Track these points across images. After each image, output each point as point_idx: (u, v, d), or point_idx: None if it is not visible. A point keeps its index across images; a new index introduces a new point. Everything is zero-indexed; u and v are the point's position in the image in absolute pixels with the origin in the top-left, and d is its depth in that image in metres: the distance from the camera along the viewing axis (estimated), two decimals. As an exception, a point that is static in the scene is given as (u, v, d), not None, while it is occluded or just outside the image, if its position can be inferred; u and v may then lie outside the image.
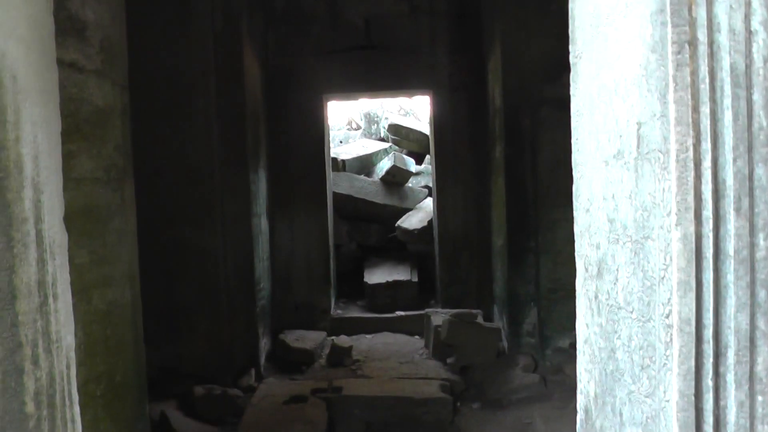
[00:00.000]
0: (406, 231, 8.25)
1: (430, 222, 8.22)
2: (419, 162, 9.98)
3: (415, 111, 10.40)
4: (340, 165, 9.00)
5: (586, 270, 2.09)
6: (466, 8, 7.33)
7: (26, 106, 1.75)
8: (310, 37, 7.25)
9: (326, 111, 7.55)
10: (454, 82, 7.42)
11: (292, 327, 7.07)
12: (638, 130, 1.67)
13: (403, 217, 8.58)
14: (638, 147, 1.68)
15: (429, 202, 8.74)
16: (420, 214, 8.52)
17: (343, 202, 8.48)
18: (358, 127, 10.96)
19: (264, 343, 6.51)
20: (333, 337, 7.03)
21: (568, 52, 6.26)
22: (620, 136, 1.76)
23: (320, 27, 7.27)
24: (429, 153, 9.67)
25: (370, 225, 8.73)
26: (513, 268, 6.32)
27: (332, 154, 8.79)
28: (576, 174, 2.23)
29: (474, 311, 6.58)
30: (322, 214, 7.39)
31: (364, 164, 9.42)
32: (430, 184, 8.91)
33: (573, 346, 6.31)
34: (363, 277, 7.93)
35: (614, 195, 1.80)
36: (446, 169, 7.52)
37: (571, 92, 2.07)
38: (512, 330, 6.25)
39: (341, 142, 10.21)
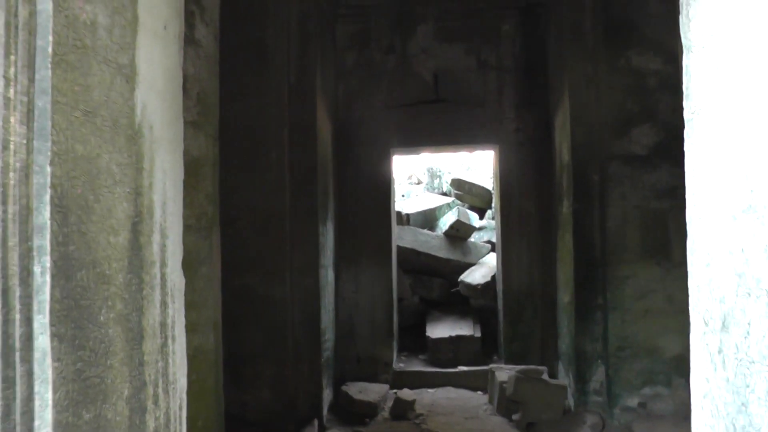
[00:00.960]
0: (469, 286, 8.22)
1: (493, 277, 8.18)
2: (481, 217, 9.98)
3: (477, 166, 10.46)
4: (404, 219, 9.06)
5: (706, 324, 2.06)
6: (533, 63, 7.40)
7: (159, 154, 1.84)
8: (379, 91, 7.40)
9: (392, 164, 7.65)
10: (520, 137, 7.46)
11: (354, 379, 7.05)
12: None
13: (466, 271, 8.56)
14: (777, 201, 1.68)
15: (492, 258, 8.71)
16: (483, 269, 8.48)
17: (407, 255, 8.51)
18: (419, 182, 11.05)
19: (327, 394, 6.50)
20: (396, 390, 6.98)
21: (636, 107, 6.21)
22: (751, 190, 1.76)
23: (389, 81, 7.42)
24: (491, 208, 9.68)
25: (433, 279, 8.73)
26: (580, 324, 6.23)
27: (396, 208, 8.87)
28: (691, 230, 2.21)
29: (540, 368, 6.47)
30: (386, 267, 7.42)
31: (428, 218, 9.47)
32: (493, 239, 8.89)
33: (642, 405, 6.18)
34: (425, 331, 7.90)
35: (744, 249, 1.79)
36: (511, 225, 7.50)
37: (686, 148, 2.06)
38: (579, 387, 6.13)
39: (403, 196, 10.29)
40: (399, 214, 8.96)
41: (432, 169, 10.78)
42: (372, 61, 7.41)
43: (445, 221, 9.22)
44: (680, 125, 6.30)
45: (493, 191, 9.55)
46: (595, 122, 6.31)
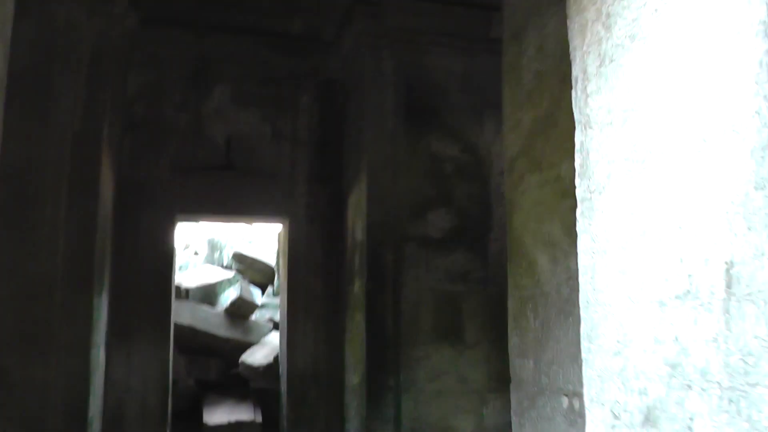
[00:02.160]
0: (250, 367, 7.68)
1: (275, 358, 7.73)
2: (263, 293, 9.53)
3: (259, 240, 10.07)
4: (183, 293, 8.34)
5: (617, 417, 1.88)
6: (329, 138, 7.28)
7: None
8: (168, 151, 6.79)
9: (176, 232, 7.00)
10: (311, 212, 7.24)
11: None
12: (728, 269, 1.55)
13: (248, 351, 8.02)
14: (728, 287, 1.55)
15: (275, 337, 8.26)
16: (265, 349, 8.00)
17: (184, 333, 7.78)
18: (196, 253, 10.36)
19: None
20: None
21: (433, 192, 6.26)
22: (689, 275, 1.63)
23: (180, 141, 6.85)
24: (273, 283, 9.28)
25: (210, 359, 8.05)
26: (371, 406, 6.02)
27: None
28: (588, 316, 2.06)
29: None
30: (163, 346, 6.65)
31: (208, 293, 8.81)
32: (276, 317, 8.48)
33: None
34: (202, 415, 7.18)
35: (678, 337, 1.66)
36: (297, 303, 7.17)
37: (580, 228, 1.92)
38: (370, 472, 5.86)
39: (180, 268, 9.55)
40: (178, 287, 8.24)
41: (213, 240, 10.18)
42: (163, 117, 6.81)
43: (227, 297, 8.66)
44: (474, 211, 6.44)
45: (276, 267, 9.19)
46: (392, 203, 6.31)
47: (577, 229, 1.81)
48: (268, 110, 7.17)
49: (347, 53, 6.91)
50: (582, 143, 1.78)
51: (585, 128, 1.76)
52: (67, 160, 5.07)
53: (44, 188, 4.93)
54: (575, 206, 3.01)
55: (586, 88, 1.74)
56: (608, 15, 1.65)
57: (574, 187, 3.00)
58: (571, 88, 3.09)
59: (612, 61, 1.64)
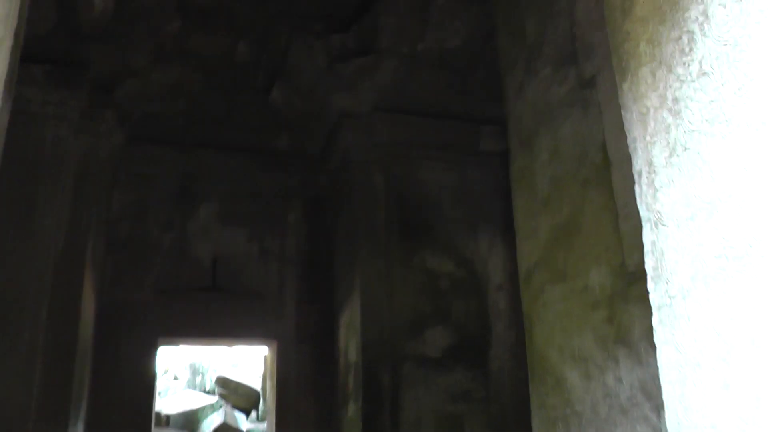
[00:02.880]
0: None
1: (262, 490, 7.19)
2: (247, 417, 9.01)
3: (244, 363, 9.64)
4: (163, 420, 7.83)
5: None
6: (319, 256, 7.09)
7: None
8: (152, 271, 6.53)
9: (158, 357, 6.62)
10: (301, 333, 6.94)
11: None
12: None
13: (232, 483, 7.47)
14: None
15: (260, 466, 7.74)
16: (251, 481, 7.46)
17: (161, 465, 7.25)
18: (176, 378, 9.87)
19: None
20: None
21: (429, 309, 6.00)
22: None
23: (164, 261, 6.60)
24: (257, 408, 8.81)
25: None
26: None
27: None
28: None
29: None
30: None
31: (190, 420, 8.28)
32: (261, 445, 7.97)
33: None
34: None
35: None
36: (287, 428, 6.73)
37: (662, 340, 1.67)
38: None
39: (160, 393, 9.04)
40: (158, 414, 7.74)
41: (195, 364, 9.72)
42: (148, 237, 6.59)
43: (210, 423, 8.14)
44: (473, 328, 6.13)
45: (261, 390, 8.74)
46: (388, 321, 6.04)
47: (656, 340, 1.58)
48: (256, 228, 7.00)
49: (336, 168, 6.83)
50: (653, 243, 1.59)
51: (656, 226, 1.58)
52: (48, 281, 4.80)
53: (23, 311, 4.63)
54: (609, 317, 2.81)
55: (653, 181, 1.57)
56: (676, 100, 1.50)
57: (606, 297, 2.80)
58: (591, 190, 2.96)
59: (686, 149, 1.48)
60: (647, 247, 1.63)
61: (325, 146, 6.97)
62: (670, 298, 1.52)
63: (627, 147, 2.69)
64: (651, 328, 2.42)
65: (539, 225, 3.30)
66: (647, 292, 2.42)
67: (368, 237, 6.20)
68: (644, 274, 2.53)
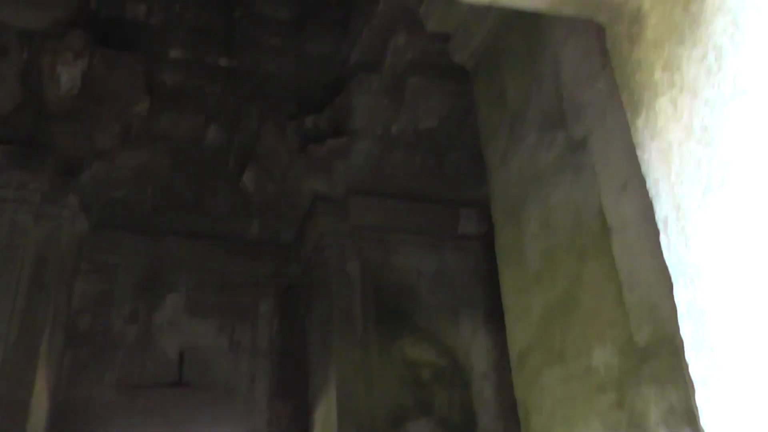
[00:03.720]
0: None
1: None
2: None
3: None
4: None
5: None
6: (292, 348, 6.71)
7: None
8: (113, 367, 6.08)
9: (117, 461, 6.09)
10: (274, 430, 6.48)
11: None
12: None
13: None
14: None
15: None
16: None
17: None
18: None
19: None
20: None
21: (410, 401, 5.61)
22: None
23: (128, 355, 6.18)
24: None
25: None
26: None
27: None
28: None
29: None
30: None
31: None
32: None
33: None
34: None
35: None
36: None
37: (709, 418, 1.38)
38: None
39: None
40: None
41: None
42: (110, 330, 6.19)
43: None
44: (457, 420, 5.70)
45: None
46: (366, 415, 5.64)
47: (703, 423, 1.29)
48: (226, 319, 6.64)
49: (309, 255, 6.57)
50: (690, 303, 1.32)
51: (692, 282, 1.31)
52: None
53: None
54: (618, 401, 2.49)
55: (683, 228, 1.31)
56: (705, 129, 1.27)
57: (613, 379, 2.50)
58: (589, 260, 2.69)
59: (723, 185, 1.23)
60: (682, 309, 1.35)
61: (298, 232, 6.75)
62: (718, 368, 1.23)
63: (628, 210, 2.46)
64: (670, 412, 2.11)
65: (531, 303, 3.02)
66: (662, 370, 2.12)
67: (344, 326, 5.88)
68: (657, 349, 2.24)
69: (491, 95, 3.70)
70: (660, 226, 1.42)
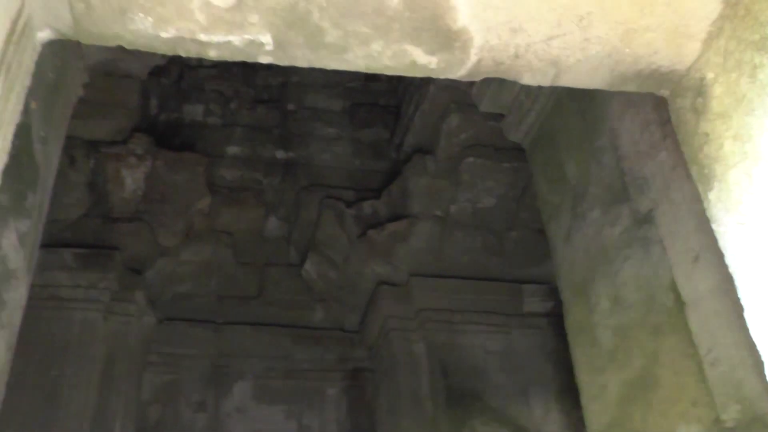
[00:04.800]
0: None
1: None
2: None
3: None
4: None
5: None
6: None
7: None
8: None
9: None
10: None
11: None
12: None
13: None
14: None
15: None
16: None
17: None
18: None
19: None
20: None
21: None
22: None
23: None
24: None
25: None
26: None
27: None
28: None
29: None
30: None
31: None
32: None
33: None
34: None
35: None
36: None
37: None
38: None
39: None
40: None
41: None
42: (179, 419, 6.23)
43: None
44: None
45: None
46: None
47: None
48: (293, 406, 6.61)
49: (374, 338, 6.54)
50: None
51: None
52: (69, 474, 4.44)
53: None
54: (710, 487, 2.37)
55: (770, 304, 1.26)
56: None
57: (702, 461, 2.38)
58: (665, 337, 2.61)
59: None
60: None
61: (362, 316, 6.74)
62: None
63: (703, 283, 2.39)
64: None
65: (607, 382, 2.92)
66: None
67: (412, 409, 5.80)
68: (748, 430, 2.14)
69: (550, 172, 3.69)
70: (743, 302, 1.37)
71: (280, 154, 6.94)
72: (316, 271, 6.77)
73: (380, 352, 6.45)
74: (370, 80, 7.38)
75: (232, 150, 6.86)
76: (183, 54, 1.75)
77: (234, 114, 7.11)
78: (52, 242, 5.19)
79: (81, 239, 5.65)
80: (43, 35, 1.52)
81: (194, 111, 6.98)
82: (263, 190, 6.68)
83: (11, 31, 1.25)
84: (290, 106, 7.26)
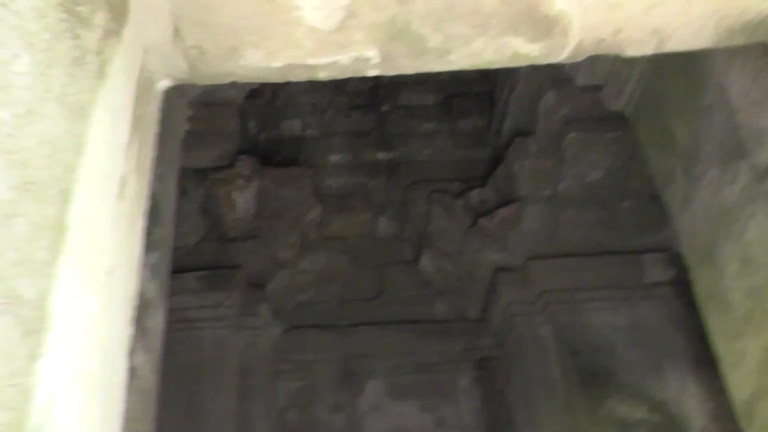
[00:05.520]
0: None
1: None
2: None
3: None
4: None
5: None
6: (496, 419, 6.64)
7: None
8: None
9: None
10: None
11: None
12: None
13: None
14: None
15: None
16: None
17: None
18: None
19: None
20: None
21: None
22: None
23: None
24: None
25: None
26: None
27: None
28: None
29: None
30: None
31: None
32: None
33: None
34: None
35: None
36: None
37: None
38: None
39: None
40: None
41: None
42: (317, 421, 6.49)
43: None
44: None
45: None
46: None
47: None
48: (427, 399, 6.72)
49: (498, 326, 6.53)
50: None
51: None
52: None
53: None
54: None
55: None
56: None
57: None
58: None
59: None
60: None
61: (484, 305, 6.74)
62: None
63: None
64: None
65: (746, 348, 2.83)
66: None
67: (546, 392, 5.77)
68: None
69: (657, 138, 3.60)
70: None
71: (381, 156, 7.05)
72: (433, 265, 6.84)
73: (506, 339, 6.44)
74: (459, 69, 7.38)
75: (334, 158, 7.03)
76: (294, 79, 1.86)
77: (331, 123, 7.28)
78: (175, 268, 5.48)
79: (201, 262, 5.94)
80: (163, 84, 1.65)
81: (292, 126, 7.20)
82: (370, 193, 6.81)
83: (137, 89, 1.37)
84: (384, 108, 7.36)
